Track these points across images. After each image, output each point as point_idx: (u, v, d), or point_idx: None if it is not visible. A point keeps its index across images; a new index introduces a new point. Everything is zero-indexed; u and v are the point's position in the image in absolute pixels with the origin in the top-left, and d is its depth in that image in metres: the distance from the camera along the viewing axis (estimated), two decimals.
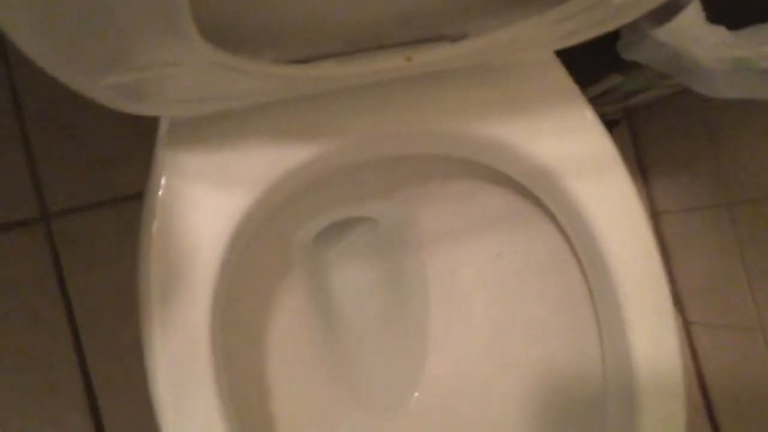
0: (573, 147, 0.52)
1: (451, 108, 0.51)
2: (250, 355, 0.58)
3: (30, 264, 0.79)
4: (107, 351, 0.79)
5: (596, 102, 0.65)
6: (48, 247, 0.80)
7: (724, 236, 0.87)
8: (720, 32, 0.52)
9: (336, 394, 0.63)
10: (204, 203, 0.46)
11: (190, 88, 0.40)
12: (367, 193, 0.64)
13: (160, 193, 0.46)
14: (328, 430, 0.61)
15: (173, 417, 0.43)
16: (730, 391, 0.96)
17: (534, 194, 0.57)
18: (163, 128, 0.47)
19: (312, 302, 0.65)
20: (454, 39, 0.46)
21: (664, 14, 0.53)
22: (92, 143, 0.81)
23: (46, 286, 0.80)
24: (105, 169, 0.82)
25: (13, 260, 0.79)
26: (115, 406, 0.80)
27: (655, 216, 0.98)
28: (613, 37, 0.60)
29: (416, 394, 0.65)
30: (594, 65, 0.68)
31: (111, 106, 0.40)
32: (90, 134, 0.81)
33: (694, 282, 0.95)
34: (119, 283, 0.78)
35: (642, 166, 0.98)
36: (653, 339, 0.52)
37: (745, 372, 0.92)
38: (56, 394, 0.79)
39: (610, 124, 0.92)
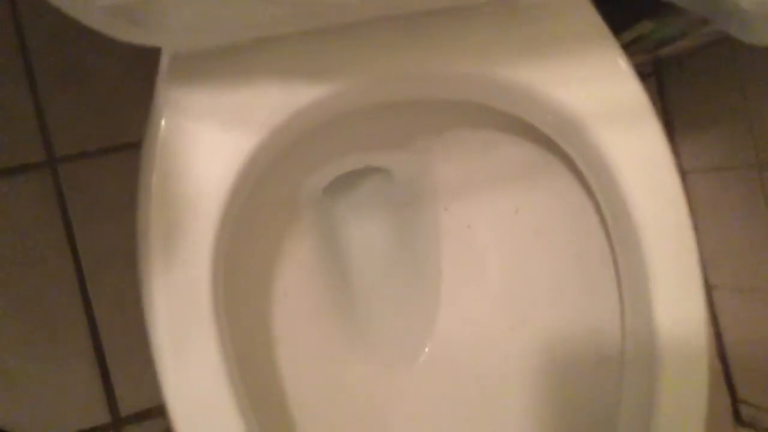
0: (602, 94, 0.49)
1: (472, 48, 0.48)
2: (255, 305, 0.56)
3: (36, 209, 0.78)
4: (113, 298, 0.79)
5: (626, 51, 0.61)
6: (55, 193, 0.79)
7: (753, 198, 0.84)
8: None
9: (343, 347, 0.61)
10: (207, 144, 0.44)
11: (190, 13, 0.37)
12: (381, 141, 0.62)
13: (160, 133, 0.44)
14: (334, 382, 0.59)
15: (172, 364, 0.42)
16: (749, 355, 0.93)
17: (558, 146, 0.54)
18: (164, 64, 0.44)
19: (321, 254, 0.63)
20: None
21: None
22: (101, 88, 0.80)
23: (52, 232, 0.78)
24: (114, 115, 0.80)
25: (20, 205, 0.78)
26: (121, 353, 0.79)
27: (681, 175, 0.95)
28: None
29: (426, 350, 0.63)
30: (624, 10, 0.64)
31: (108, 33, 0.37)
32: (99, 79, 0.80)
33: (718, 244, 0.92)
34: (126, 229, 0.76)
35: (669, 123, 0.94)
36: (678, 304, 0.50)
37: (766, 336, 0.89)
38: (62, 340, 0.78)
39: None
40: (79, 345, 0.79)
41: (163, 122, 0.44)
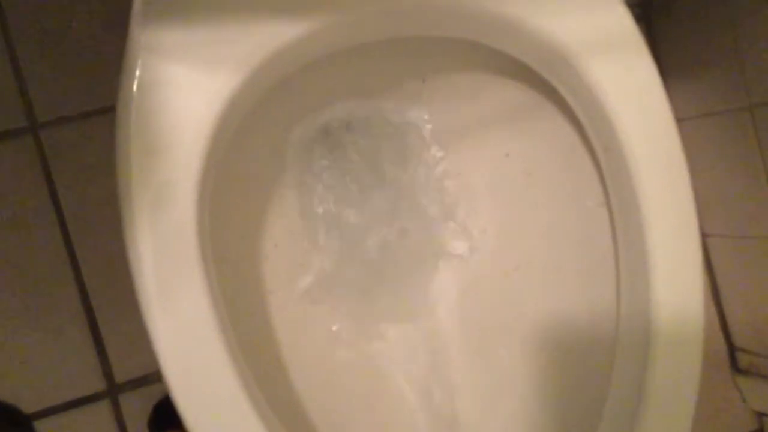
0: (590, 24, 0.47)
1: None
2: (245, 257, 0.55)
3: (20, 176, 0.77)
4: (102, 262, 0.77)
5: None
6: (38, 159, 0.77)
7: (745, 141, 0.83)
8: None
9: (338, 301, 0.60)
10: (186, 85, 0.43)
11: None
12: (367, 88, 0.60)
13: (136, 76, 0.42)
14: (328, 333, 0.59)
15: (160, 309, 0.41)
16: (745, 302, 0.93)
17: (548, 86, 0.52)
18: (137, 1, 0.43)
19: (311, 209, 0.62)
20: None
21: None
22: (81, 52, 0.78)
23: (37, 198, 0.77)
24: (95, 78, 0.79)
25: (2, 173, 0.76)
26: (114, 320, 0.79)
27: None
28: None
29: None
30: None
31: None
32: (78, 43, 0.78)
33: (712, 192, 0.91)
34: (112, 193, 0.76)
35: (660, 70, 0.93)
36: (672, 239, 0.49)
37: (762, 284, 0.89)
38: (53, 307, 0.77)
39: None
40: (70, 313, 0.78)
41: (138, 64, 0.42)
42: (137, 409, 0.80)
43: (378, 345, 0.60)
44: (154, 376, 0.80)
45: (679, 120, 0.91)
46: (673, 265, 0.48)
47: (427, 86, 0.61)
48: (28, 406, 0.77)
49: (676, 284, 0.48)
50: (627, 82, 0.48)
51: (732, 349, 0.97)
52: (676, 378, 0.48)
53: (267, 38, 0.43)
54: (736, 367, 0.97)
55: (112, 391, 0.79)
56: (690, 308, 0.48)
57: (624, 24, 0.48)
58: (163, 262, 0.41)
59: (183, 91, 0.42)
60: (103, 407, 0.79)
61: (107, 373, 0.79)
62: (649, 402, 0.47)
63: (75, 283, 0.78)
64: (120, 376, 0.79)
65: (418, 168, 0.64)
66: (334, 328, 0.59)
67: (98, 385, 0.79)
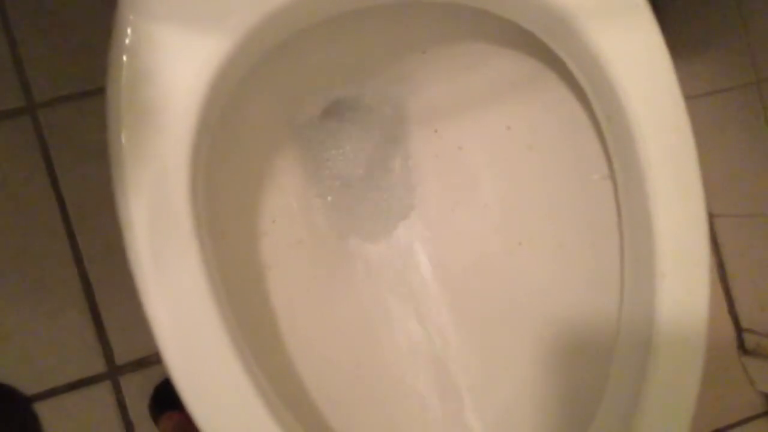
0: None
1: None
2: (242, 232, 0.54)
3: (19, 157, 0.76)
4: (102, 244, 0.77)
5: None
6: (36, 138, 0.77)
7: (752, 117, 0.82)
8: None
9: (336, 274, 0.59)
10: (177, 50, 0.41)
11: None
12: (366, 60, 0.59)
13: (126, 40, 0.41)
14: (328, 311, 0.58)
15: (153, 277, 0.40)
16: (752, 283, 0.92)
17: (548, 55, 0.51)
18: None
19: (309, 185, 0.61)
20: None
21: None
22: (78, 29, 0.77)
23: (36, 180, 0.77)
24: (92, 57, 0.78)
25: (1, 154, 0.76)
26: (113, 301, 0.78)
27: None
28: None
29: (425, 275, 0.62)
30: None
31: None
32: (75, 21, 0.77)
33: (718, 172, 0.90)
34: None
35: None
36: (677, 209, 0.48)
37: None
38: (53, 290, 0.77)
39: None
40: (70, 294, 0.77)
41: (128, 30, 0.41)
42: (138, 390, 0.79)
43: (379, 323, 0.60)
44: (154, 358, 0.79)
45: (685, 98, 0.90)
46: (678, 238, 0.47)
47: (426, 57, 0.59)
48: (28, 387, 0.77)
49: (681, 260, 0.47)
50: (631, 47, 0.46)
51: (739, 331, 0.96)
52: (679, 356, 0.47)
53: (260, 1, 0.42)
54: (743, 349, 0.96)
55: (113, 372, 0.79)
56: (696, 286, 0.47)
57: None
58: (156, 237, 0.40)
59: (174, 56, 0.41)
60: (104, 389, 0.79)
61: (107, 355, 0.79)
62: (651, 384, 0.47)
63: (75, 265, 0.77)
64: (120, 358, 0.79)
65: (417, 143, 0.63)
66: (335, 307, 0.59)
67: (98, 366, 0.79)
